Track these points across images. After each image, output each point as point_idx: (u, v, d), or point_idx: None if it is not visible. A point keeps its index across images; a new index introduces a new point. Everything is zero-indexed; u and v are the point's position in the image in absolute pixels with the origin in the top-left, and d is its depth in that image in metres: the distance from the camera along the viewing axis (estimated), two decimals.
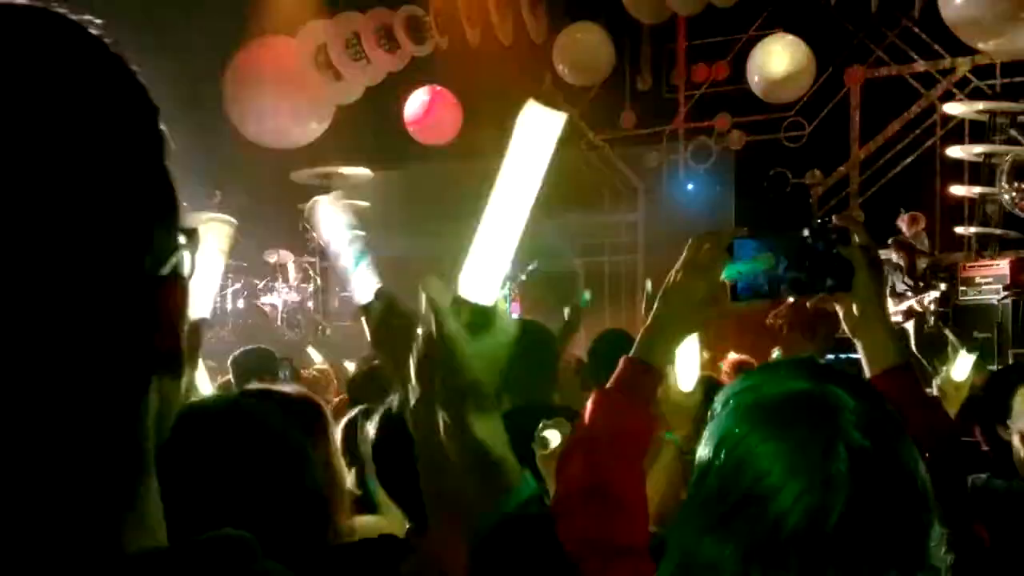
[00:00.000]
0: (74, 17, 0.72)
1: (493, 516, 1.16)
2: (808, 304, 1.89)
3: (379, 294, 1.41)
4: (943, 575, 1.21)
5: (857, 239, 1.76)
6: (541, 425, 2.16)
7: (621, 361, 1.68)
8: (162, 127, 0.75)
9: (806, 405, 1.24)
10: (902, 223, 11.21)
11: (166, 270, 0.72)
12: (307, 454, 1.59)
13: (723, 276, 1.69)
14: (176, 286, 0.73)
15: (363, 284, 1.29)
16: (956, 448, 1.89)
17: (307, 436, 1.67)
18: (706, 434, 1.31)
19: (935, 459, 1.29)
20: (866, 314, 1.77)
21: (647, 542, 1.54)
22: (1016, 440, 3.11)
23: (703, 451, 1.29)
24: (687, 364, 2.34)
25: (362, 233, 1.36)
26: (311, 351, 7.98)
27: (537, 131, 1.13)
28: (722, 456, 1.25)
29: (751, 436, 1.23)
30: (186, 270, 0.76)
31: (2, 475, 0.65)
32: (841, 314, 1.80)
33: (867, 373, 1.78)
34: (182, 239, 0.75)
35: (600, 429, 1.62)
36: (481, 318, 1.13)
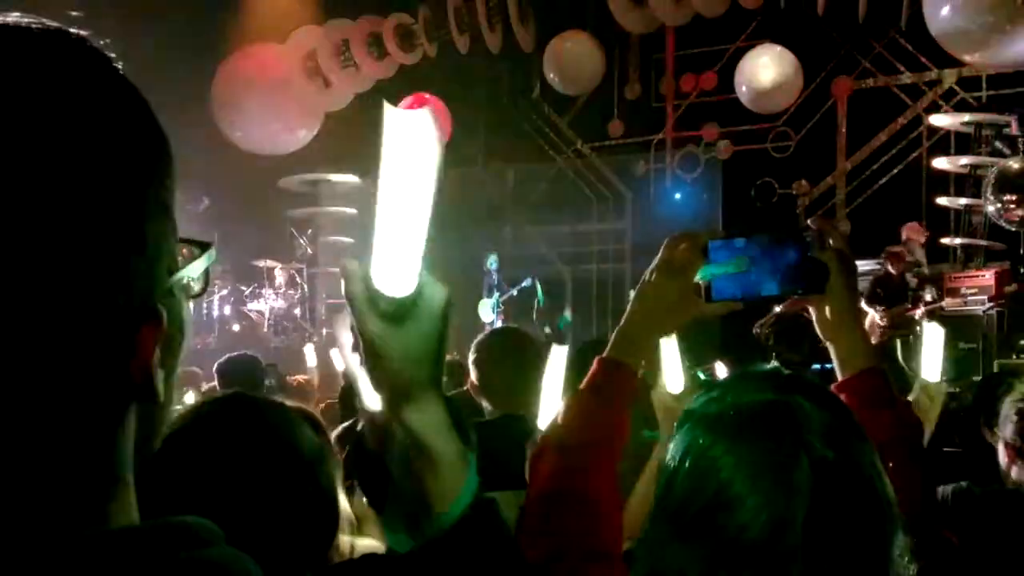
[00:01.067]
0: (92, 42, 0.73)
1: (436, 525, 1.11)
2: (781, 307, 1.90)
3: None
4: None
5: (832, 243, 1.76)
6: None
7: (595, 362, 1.68)
8: (171, 158, 0.76)
9: (769, 416, 1.24)
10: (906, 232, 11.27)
11: (149, 300, 0.73)
12: (323, 454, 1.59)
13: (698, 277, 1.69)
14: (156, 317, 0.73)
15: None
16: (926, 452, 1.89)
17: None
18: (672, 444, 1.31)
19: (904, 464, 1.29)
20: (839, 317, 1.77)
21: (620, 547, 1.54)
22: (1000, 447, 3.13)
23: (669, 460, 1.30)
24: (672, 366, 2.34)
25: None
26: (308, 350, 7.96)
27: (404, 131, 1.13)
28: (687, 466, 1.25)
29: (715, 447, 1.24)
30: (194, 290, 0.77)
31: None
32: (815, 317, 1.81)
33: (839, 376, 1.79)
34: (193, 256, 0.77)
35: (573, 430, 1.61)
36: (401, 310, 1.09)
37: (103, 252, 0.69)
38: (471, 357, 3.62)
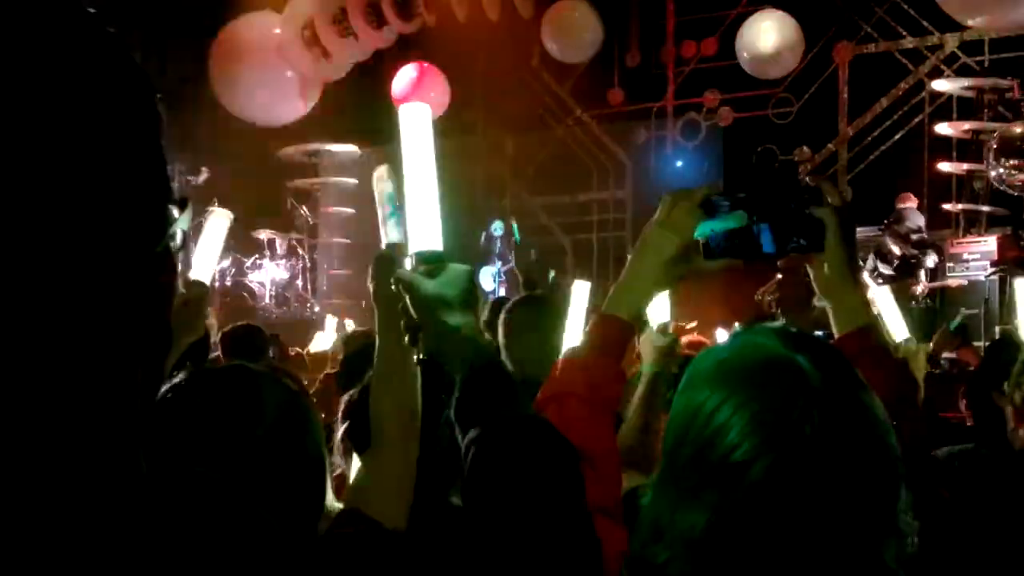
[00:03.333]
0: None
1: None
2: (779, 263, 1.89)
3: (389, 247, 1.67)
4: (910, 539, 1.23)
5: (829, 200, 1.75)
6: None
7: (592, 317, 1.69)
8: (160, 109, 0.76)
9: (780, 370, 1.25)
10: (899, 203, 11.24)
11: (158, 247, 0.74)
12: (313, 421, 1.60)
13: (696, 234, 1.69)
14: (167, 262, 0.75)
15: (388, 234, 1.64)
16: (920, 411, 1.90)
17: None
18: (678, 402, 1.32)
19: (899, 422, 1.30)
20: (837, 274, 1.77)
21: (619, 502, 1.55)
22: (1009, 411, 3.13)
23: (676, 419, 1.31)
24: (658, 308, 2.67)
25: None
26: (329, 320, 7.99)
27: (414, 123, 1.52)
28: (697, 423, 1.26)
29: (725, 404, 1.24)
30: (176, 244, 0.78)
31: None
32: (812, 275, 1.80)
33: (836, 333, 1.78)
34: (175, 214, 0.77)
35: (571, 386, 1.62)
36: (436, 261, 1.47)
37: (147, 199, 0.72)
38: (500, 325, 3.68)
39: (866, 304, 1.84)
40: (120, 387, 0.72)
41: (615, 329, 1.66)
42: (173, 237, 0.77)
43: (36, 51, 0.68)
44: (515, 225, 13.04)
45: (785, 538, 1.19)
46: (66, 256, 0.67)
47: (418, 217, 1.50)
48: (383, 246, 1.64)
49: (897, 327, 3.59)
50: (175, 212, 0.77)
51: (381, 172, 1.66)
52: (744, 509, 1.20)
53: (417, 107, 1.50)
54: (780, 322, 1.52)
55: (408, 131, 1.50)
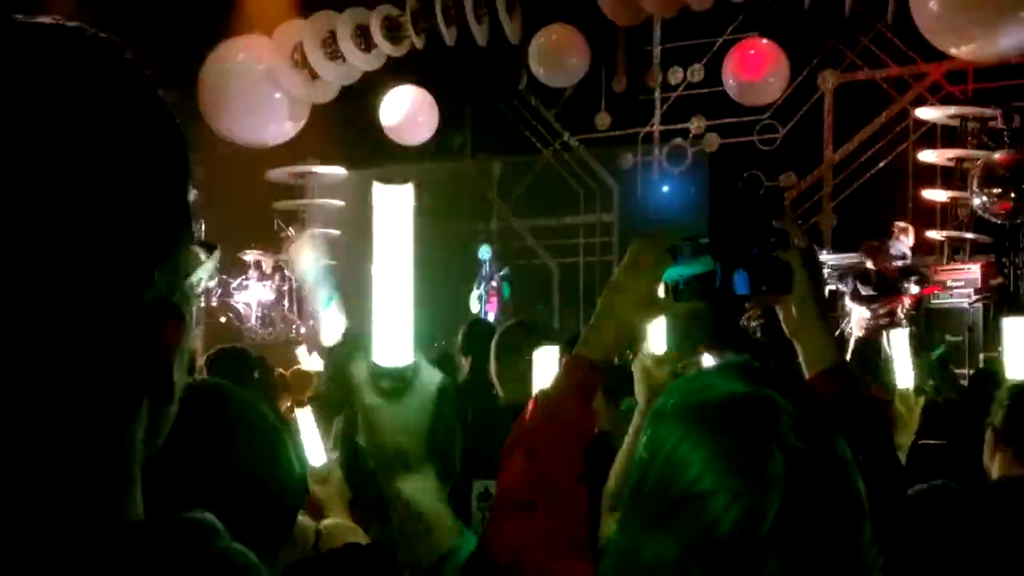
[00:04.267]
0: (113, 41, 0.74)
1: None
2: (747, 305, 1.92)
3: (345, 335, 1.47)
4: (875, 574, 1.24)
5: (796, 242, 1.78)
6: None
7: (563, 360, 1.70)
8: (189, 159, 0.77)
9: (742, 408, 1.26)
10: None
11: (171, 299, 0.74)
12: (282, 441, 1.59)
13: (664, 278, 1.71)
14: (178, 316, 0.74)
15: (331, 326, 1.37)
16: (892, 449, 1.91)
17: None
18: (645, 434, 1.33)
19: (871, 460, 1.31)
20: (804, 316, 1.78)
21: (587, 538, 1.55)
22: (988, 433, 3.15)
23: (642, 451, 1.31)
24: (656, 343, 2.50)
25: (330, 272, 1.42)
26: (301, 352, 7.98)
27: (391, 206, 1.25)
28: (659, 458, 1.27)
29: (687, 440, 1.25)
30: (200, 290, 0.78)
31: None
32: (781, 316, 1.82)
33: (806, 374, 1.80)
34: (200, 259, 0.78)
35: (541, 427, 1.62)
36: (400, 382, 1.23)
37: (134, 248, 0.70)
38: (492, 348, 3.70)
39: (834, 344, 1.86)
40: (103, 433, 0.71)
41: (585, 371, 1.67)
42: (192, 285, 0.77)
43: (82, 99, 0.69)
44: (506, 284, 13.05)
45: (748, 570, 1.20)
46: (74, 297, 0.67)
47: (387, 323, 1.24)
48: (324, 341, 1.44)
49: (902, 374, 3.57)
50: (201, 256, 0.78)
51: (299, 246, 1.38)
52: (707, 541, 1.21)
53: (393, 189, 1.24)
54: (745, 356, 1.53)
55: (383, 214, 1.24)
